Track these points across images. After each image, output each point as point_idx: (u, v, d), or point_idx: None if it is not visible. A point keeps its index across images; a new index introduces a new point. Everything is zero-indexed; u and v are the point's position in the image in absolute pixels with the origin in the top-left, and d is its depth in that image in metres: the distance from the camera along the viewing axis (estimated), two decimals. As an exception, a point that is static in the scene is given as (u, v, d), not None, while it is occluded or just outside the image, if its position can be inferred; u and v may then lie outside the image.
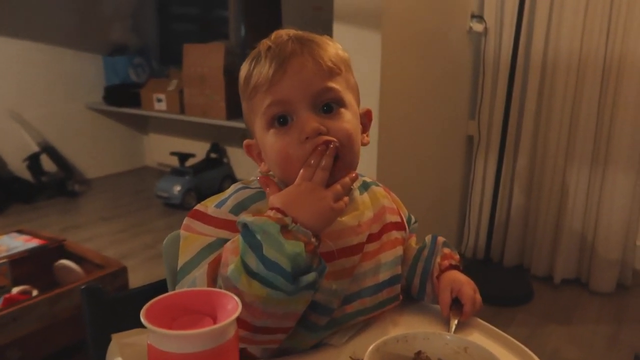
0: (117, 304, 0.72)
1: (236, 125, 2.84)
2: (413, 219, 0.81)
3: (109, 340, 0.65)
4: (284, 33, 0.66)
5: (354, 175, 0.62)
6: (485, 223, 2.28)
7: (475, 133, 2.30)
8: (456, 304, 0.69)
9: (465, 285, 0.70)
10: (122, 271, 1.66)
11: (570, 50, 2.01)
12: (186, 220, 0.66)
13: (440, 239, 0.77)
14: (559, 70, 2.05)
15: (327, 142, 0.61)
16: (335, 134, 0.62)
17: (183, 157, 3.15)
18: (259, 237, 0.55)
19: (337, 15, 1.68)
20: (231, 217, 0.63)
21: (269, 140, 0.65)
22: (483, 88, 2.24)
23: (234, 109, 2.86)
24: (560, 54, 2.04)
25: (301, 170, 0.60)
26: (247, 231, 0.56)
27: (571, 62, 2.02)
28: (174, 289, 0.70)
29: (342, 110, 0.65)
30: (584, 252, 2.15)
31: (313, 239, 0.56)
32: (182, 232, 0.65)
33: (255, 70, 0.65)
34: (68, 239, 1.86)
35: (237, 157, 3.37)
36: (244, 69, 0.67)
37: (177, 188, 2.97)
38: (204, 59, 2.91)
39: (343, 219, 0.66)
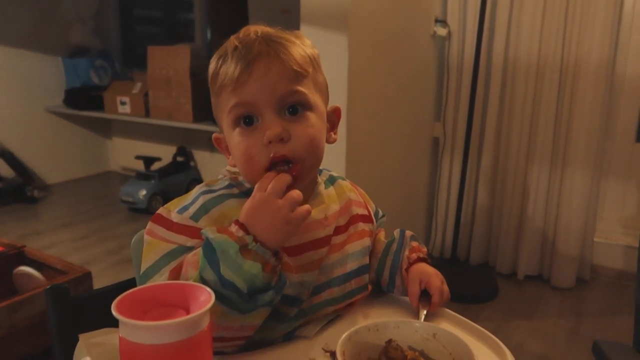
0: (84, 303, 0.70)
1: (203, 128, 2.81)
2: (380, 213, 0.83)
3: (76, 340, 0.63)
4: (253, 31, 0.65)
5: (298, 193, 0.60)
6: (451, 222, 2.33)
7: (441, 134, 2.35)
8: (425, 295, 0.71)
9: (433, 276, 0.71)
10: (87, 277, 1.62)
11: (529, 54, 2.08)
12: (149, 225, 0.65)
13: (408, 233, 0.79)
14: (519, 73, 2.12)
15: (285, 161, 0.62)
16: (297, 139, 0.63)
17: (148, 161, 3.09)
18: (217, 254, 0.55)
19: (304, 18, 1.69)
20: (192, 223, 0.63)
21: (235, 138, 0.65)
22: (447, 91, 2.29)
23: (201, 112, 2.83)
24: (520, 57, 2.11)
25: (258, 182, 0.60)
26: (208, 246, 0.56)
27: (530, 66, 2.09)
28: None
29: (308, 113, 0.64)
30: (545, 250, 2.23)
31: (272, 259, 0.56)
32: (145, 236, 0.65)
33: (222, 68, 0.64)
34: (28, 246, 1.79)
35: (204, 161, 3.33)
36: (212, 65, 0.67)
37: (143, 192, 2.91)
38: (169, 62, 2.87)
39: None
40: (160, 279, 0.60)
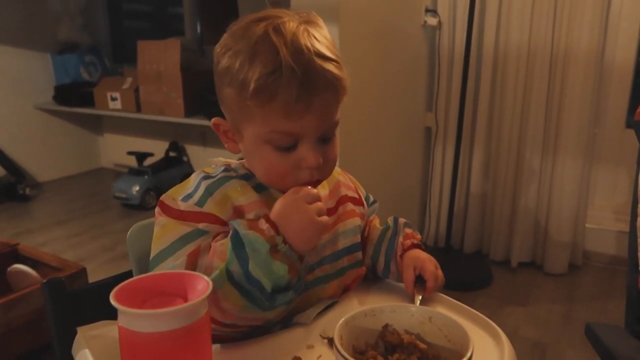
0: (81, 297, 0.70)
1: (195, 123, 2.80)
2: (372, 199, 0.84)
3: (74, 334, 0.64)
4: (306, 46, 0.60)
5: None
6: (445, 212, 2.35)
7: (433, 124, 2.35)
8: (420, 280, 0.72)
9: (427, 262, 0.72)
10: (82, 273, 1.61)
11: (519, 43, 2.09)
12: (158, 212, 0.65)
13: (402, 220, 0.80)
14: (510, 62, 2.13)
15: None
16: (328, 162, 0.65)
17: (141, 156, 3.08)
18: (247, 250, 0.56)
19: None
20: (198, 209, 0.63)
21: (265, 152, 0.64)
22: (439, 81, 2.30)
23: (192, 106, 2.81)
24: (510, 46, 2.12)
25: (293, 188, 0.62)
26: (237, 240, 0.57)
27: (521, 54, 2.10)
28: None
29: (335, 137, 0.66)
30: (538, 236, 2.25)
31: (298, 262, 0.58)
32: (159, 219, 0.65)
33: (270, 82, 0.59)
34: (22, 244, 1.78)
35: (196, 155, 3.32)
36: (244, 64, 0.61)
37: (136, 188, 2.90)
38: (159, 56, 2.85)
39: None
40: (177, 262, 0.60)
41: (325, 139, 0.65)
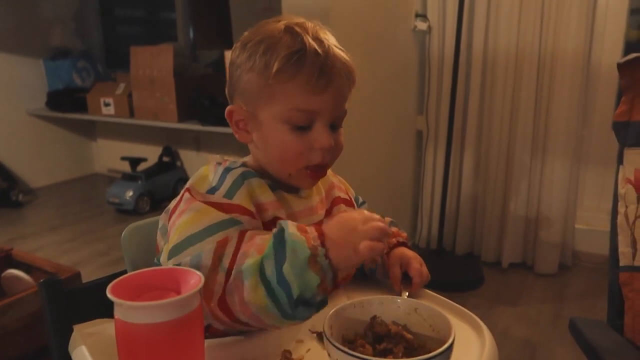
0: (77, 296, 0.72)
1: (188, 128, 2.82)
2: (360, 200, 0.87)
3: (71, 332, 0.65)
4: (324, 38, 0.67)
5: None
6: (437, 214, 2.37)
7: (424, 127, 2.38)
8: (405, 277, 0.74)
9: (413, 259, 0.75)
10: (76, 277, 1.62)
11: (508, 46, 2.13)
12: (188, 199, 0.65)
13: (387, 219, 0.83)
14: (499, 65, 2.16)
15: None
16: (337, 147, 0.70)
17: (134, 161, 3.09)
18: (287, 250, 0.54)
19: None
20: (226, 201, 0.64)
21: (281, 133, 0.66)
22: (429, 84, 2.33)
23: (186, 111, 2.83)
24: (499, 50, 2.15)
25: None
26: (280, 238, 0.56)
27: (509, 58, 2.13)
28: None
29: (342, 128, 0.71)
30: (528, 238, 2.28)
31: (330, 281, 0.55)
32: (194, 204, 0.63)
33: (295, 61, 0.63)
34: (16, 249, 1.79)
35: (190, 160, 3.33)
36: (267, 49, 0.64)
37: (130, 193, 2.91)
38: (152, 61, 2.87)
39: (311, 197, 0.72)
40: (207, 248, 0.58)
41: (334, 126, 0.69)
